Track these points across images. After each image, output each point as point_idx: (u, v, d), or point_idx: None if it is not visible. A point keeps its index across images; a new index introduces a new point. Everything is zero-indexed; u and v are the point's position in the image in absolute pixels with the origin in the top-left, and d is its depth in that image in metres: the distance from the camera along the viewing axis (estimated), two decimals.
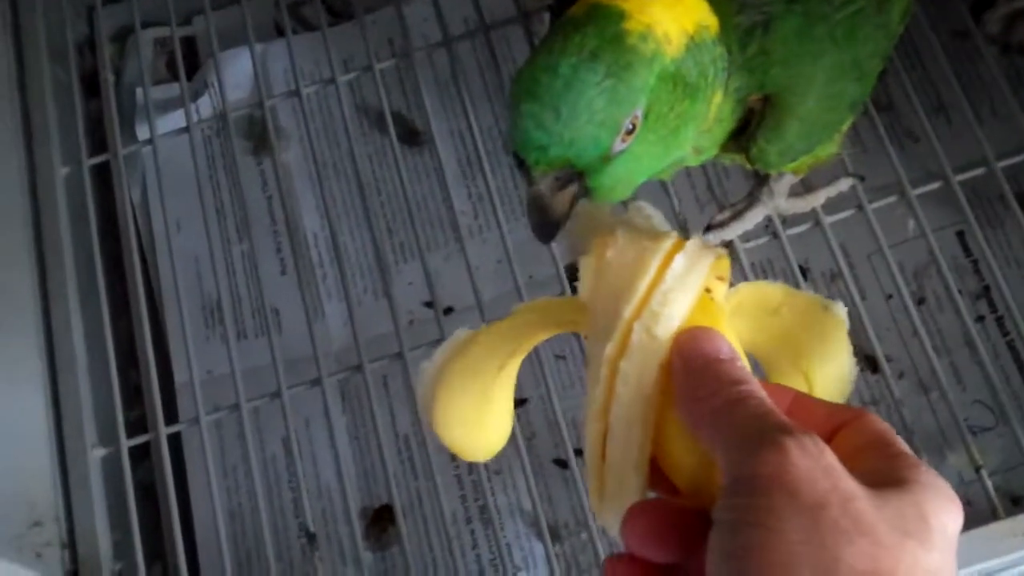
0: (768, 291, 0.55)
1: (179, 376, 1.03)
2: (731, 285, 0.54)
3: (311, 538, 0.91)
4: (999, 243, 1.00)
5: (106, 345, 0.95)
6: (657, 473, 0.50)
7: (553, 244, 0.91)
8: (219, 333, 1.07)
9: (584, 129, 0.56)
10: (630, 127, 0.57)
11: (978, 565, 0.78)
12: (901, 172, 0.90)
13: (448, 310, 1.01)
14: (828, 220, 0.89)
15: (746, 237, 0.90)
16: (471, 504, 0.99)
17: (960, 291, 0.89)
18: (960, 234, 1.00)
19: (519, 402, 0.99)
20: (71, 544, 0.90)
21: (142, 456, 0.98)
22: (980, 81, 1.04)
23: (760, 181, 0.87)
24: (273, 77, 1.16)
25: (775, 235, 0.90)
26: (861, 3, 0.67)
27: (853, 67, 0.69)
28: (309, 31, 1.18)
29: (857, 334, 0.94)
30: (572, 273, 0.80)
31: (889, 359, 0.91)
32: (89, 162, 1.04)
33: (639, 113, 0.57)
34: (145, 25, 1.14)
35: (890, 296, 0.99)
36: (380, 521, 0.98)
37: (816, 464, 0.41)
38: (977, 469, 0.82)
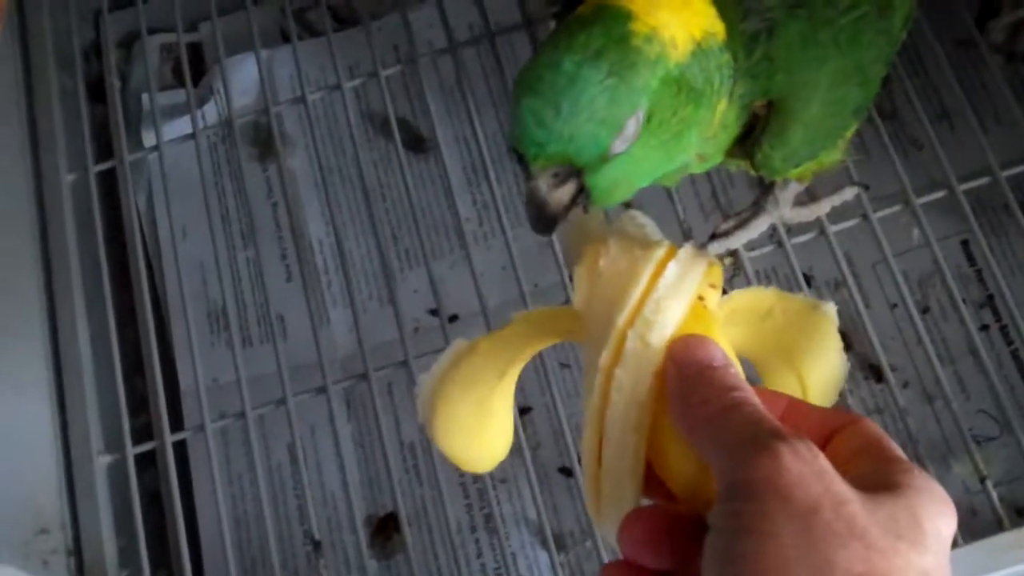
0: (760, 296, 0.55)
1: (184, 383, 1.03)
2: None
3: (316, 546, 0.91)
4: (1003, 252, 1.00)
5: (112, 352, 0.95)
6: (653, 479, 0.50)
7: (559, 251, 0.91)
8: (224, 340, 1.07)
9: (584, 127, 0.56)
10: (631, 127, 0.57)
11: None
12: (905, 181, 0.90)
13: (453, 317, 1.01)
14: (833, 229, 0.89)
15: (751, 246, 0.90)
16: (476, 513, 0.99)
17: (964, 300, 0.89)
18: (964, 243, 1.00)
19: (524, 411, 0.99)
20: (77, 551, 0.90)
21: (148, 463, 0.98)
22: (984, 90, 1.04)
23: (765, 190, 0.87)
24: (279, 83, 1.16)
25: (779, 244, 0.90)
26: (864, 8, 0.67)
27: (856, 72, 0.69)
28: (315, 37, 1.18)
29: (861, 343, 0.95)
30: None
31: (893, 368, 0.91)
32: (95, 168, 1.04)
33: (640, 114, 0.57)
34: (151, 31, 1.14)
35: (894, 305, 0.99)
36: (385, 529, 0.98)
37: (809, 469, 0.41)
38: (982, 480, 0.82)
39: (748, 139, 0.70)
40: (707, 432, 0.45)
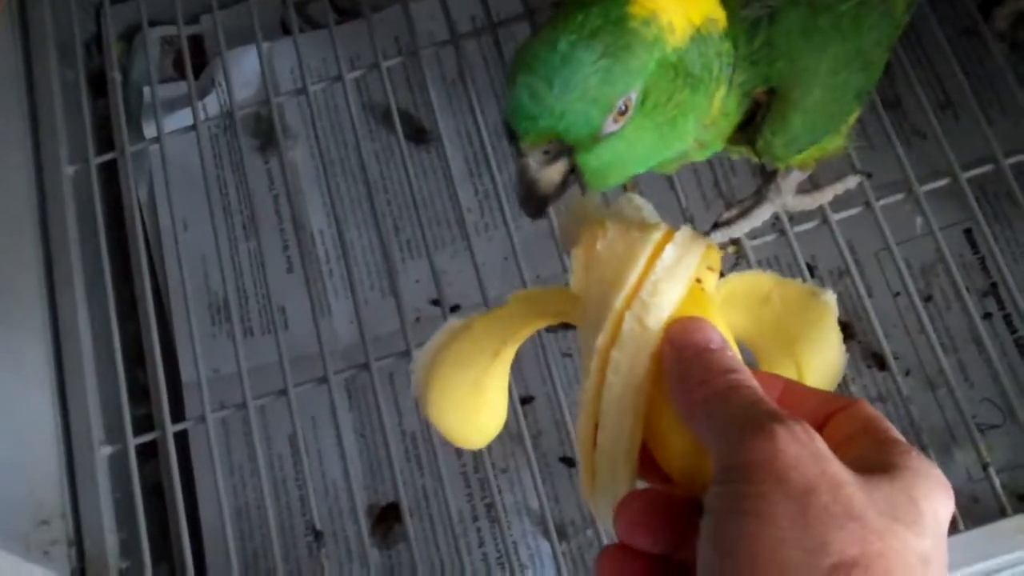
0: (758, 280, 0.55)
1: (186, 374, 1.03)
2: None
3: (318, 536, 0.91)
4: (1007, 240, 0.99)
5: (113, 343, 0.95)
6: (649, 462, 0.50)
7: (560, 241, 0.91)
8: (226, 331, 1.07)
9: (575, 104, 0.56)
10: (623, 108, 0.58)
11: (985, 562, 0.78)
12: (908, 169, 0.90)
13: (455, 308, 1.01)
14: (835, 217, 0.89)
15: (753, 234, 0.89)
16: (478, 502, 0.98)
17: (967, 288, 0.89)
18: (968, 231, 1.00)
19: (525, 400, 0.99)
20: (78, 542, 0.90)
21: (149, 454, 0.98)
22: (988, 78, 1.03)
23: (767, 179, 0.87)
24: (280, 75, 1.16)
25: (782, 232, 0.90)
26: None
27: (858, 57, 0.69)
28: (316, 29, 1.18)
29: (864, 331, 0.95)
30: None
31: (896, 356, 0.91)
32: (96, 160, 1.04)
33: (633, 96, 0.58)
34: (152, 24, 1.14)
35: (897, 293, 0.99)
36: (387, 519, 0.98)
37: (806, 451, 0.41)
38: (985, 467, 0.82)
39: (750, 126, 0.69)
40: (704, 414, 0.45)
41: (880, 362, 0.96)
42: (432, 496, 0.99)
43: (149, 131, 1.11)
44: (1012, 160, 0.91)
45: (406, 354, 0.92)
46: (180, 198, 1.02)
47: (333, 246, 1.09)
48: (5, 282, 0.96)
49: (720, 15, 0.62)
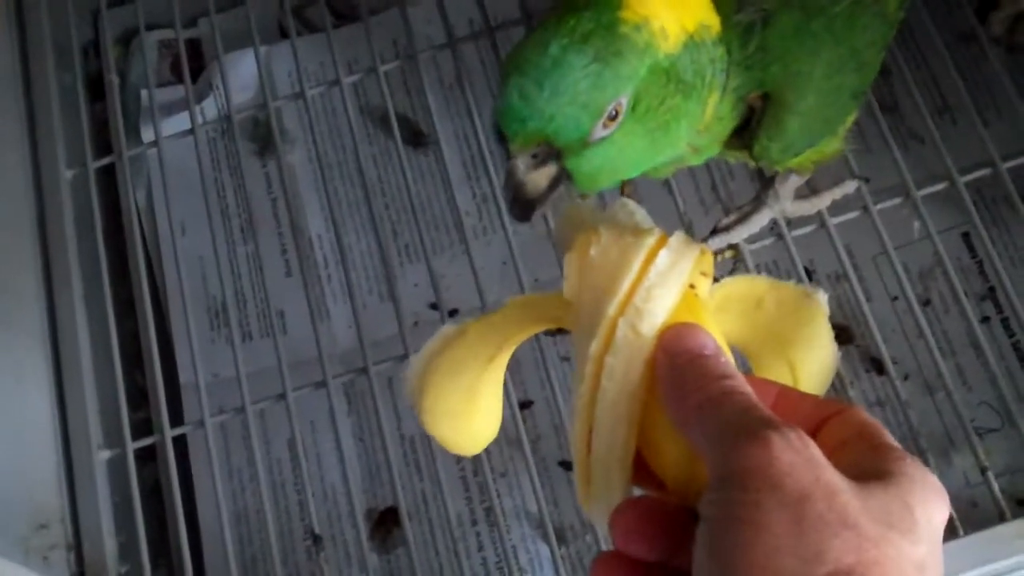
0: (751, 284, 0.55)
1: (184, 378, 1.03)
2: None
3: (316, 540, 0.91)
4: (1004, 244, 0.99)
5: (111, 347, 0.95)
6: (644, 469, 0.50)
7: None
8: (224, 335, 1.07)
9: (565, 108, 0.56)
10: (613, 113, 0.58)
11: (984, 567, 0.78)
12: (906, 173, 0.90)
13: (453, 312, 1.01)
14: (833, 222, 0.89)
15: (751, 239, 0.89)
16: (476, 506, 0.99)
17: (965, 292, 0.89)
18: (965, 235, 1.00)
19: (524, 404, 0.99)
20: (77, 546, 0.90)
21: (148, 458, 0.98)
22: (985, 82, 1.03)
23: (765, 184, 0.87)
24: (277, 79, 1.16)
25: (780, 237, 0.90)
26: None
27: (852, 58, 0.69)
28: (313, 33, 1.18)
29: (862, 336, 0.95)
30: None
31: (894, 361, 0.91)
32: (94, 164, 1.04)
33: (624, 101, 0.58)
34: (149, 28, 1.14)
35: (895, 298, 0.99)
36: (385, 523, 0.98)
37: (800, 458, 0.41)
38: (983, 471, 0.82)
39: (746, 130, 0.69)
40: (698, 421, 0.45)
41: (878, 366, 0.96)
42: (431, 500, 0.99)
43: (147, 135, 1.11)
44: (1010, 164, 0.91)
45: (404, 358, 0.92)
46: (178, 202, 1.02)
47: (331, 250, 1.09)
48: (3, 286, 0.96)
49: (714, 20, 0.62)
